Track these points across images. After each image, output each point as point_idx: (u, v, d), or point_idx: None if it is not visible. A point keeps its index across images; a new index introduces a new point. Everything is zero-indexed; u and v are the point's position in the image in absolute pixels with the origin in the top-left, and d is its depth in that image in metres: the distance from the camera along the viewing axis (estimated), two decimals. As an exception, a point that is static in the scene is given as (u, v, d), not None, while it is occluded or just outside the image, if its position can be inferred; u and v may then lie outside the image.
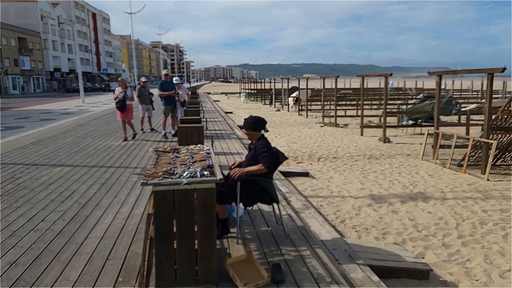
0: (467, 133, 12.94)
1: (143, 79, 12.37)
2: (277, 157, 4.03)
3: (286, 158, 4.06)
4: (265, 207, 4.91)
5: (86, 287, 3.10)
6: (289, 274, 3.28)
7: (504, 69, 7.71)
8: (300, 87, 23.74)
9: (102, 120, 16.03)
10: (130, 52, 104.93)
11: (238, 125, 15.40)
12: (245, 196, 3.85)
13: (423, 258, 4.53)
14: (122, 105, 10.13)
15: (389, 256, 4.22)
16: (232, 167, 4.15)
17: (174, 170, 3.46)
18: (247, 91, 44.39)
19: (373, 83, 52.77)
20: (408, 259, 4.20)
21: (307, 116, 20.70)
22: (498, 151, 8.62)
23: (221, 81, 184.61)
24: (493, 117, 8.44)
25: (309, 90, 23.85)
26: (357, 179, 7.90)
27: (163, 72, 10.88)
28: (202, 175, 3.27)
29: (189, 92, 12.06)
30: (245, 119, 4.14)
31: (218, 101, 37.14)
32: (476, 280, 4.05)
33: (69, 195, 5.54)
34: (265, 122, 4.12)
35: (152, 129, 12.00)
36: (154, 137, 10.86)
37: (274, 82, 30.28)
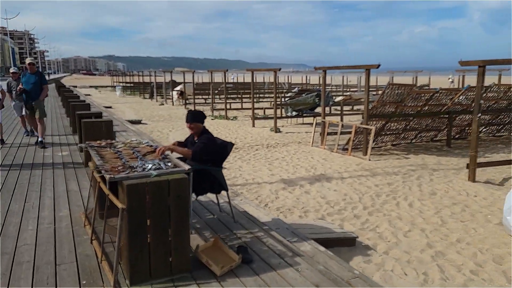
0: (341, 120, 14.77)
1: (13, 69, 10.63)
2: (224, 148, 4.20)
3: (233, 145, 4.27)
4: (200, 197, 4.98)
5: (48, 296, 2.82)
6: (254, 254, 3.50)
7: (379, 65, 9.11)
8: (185, 80, 23.57)
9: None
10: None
11: (127, 120, 14.66)
12: (198, 186, 3.91)
13: (342, 229, 5.21)
14: None
15: (322, 230, 4.76)
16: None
17: (128, 164, 3.35)
18: (122, 84, 41.91)
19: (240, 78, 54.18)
20: (336, 230, 4.80)
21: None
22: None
23: (84, 74, 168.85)
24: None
25: (191, 84, 23.82)
26: (264, 167, 8.43)
27: (27, 61, 8.71)
28: (167, 167, 3.25)
29: (3, 89, 9.16)
30: (187, 113, 4.19)
31: (89, 95, 34.24)
32: (389, 242, 4.87)
33: (-37, 204, 4.72)
34: (205, 115, 4.28)
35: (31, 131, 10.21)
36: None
37: (155, 76, 29.39)
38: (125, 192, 2.88)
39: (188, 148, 4.08)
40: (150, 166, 3.22)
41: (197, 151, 3.87)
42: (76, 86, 48.10)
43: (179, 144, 4.23)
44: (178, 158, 3.89)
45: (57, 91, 27.73)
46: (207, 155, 3.94)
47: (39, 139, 8.52)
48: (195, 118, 4.09)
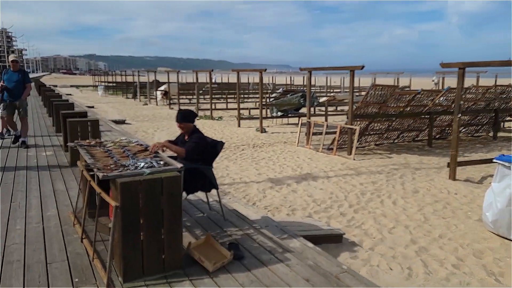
0: (326, 120, 14.96)
1: None
2: (214, 147, 4.25)
3: (223, 144, 4.32)
4: (189, 196, 5.02)
5: (40, 295, 2.83)
6: (245, 251, 3.56)
7: (363, 67, 9.29)
8: (169, 80, 23.44)
9: None
10: None
11: (111, 120, 14.52)
12: (189, 185, 3.95)
13: (329, 226, 5.31)
14: None
15: (309, 227, 4.86)
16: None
17: (120, 163, 3.36)
18: (104, 84, 41.35)
19: (225, 78, 53.91)
20: (324, 228, 4.90)
21: (179, 110, 20.65)
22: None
23: (64, 73, 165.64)
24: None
25: (175, 84, 23.69)
26: (251, 166, 8.50)
27: (10, 58, 8.42)
28: (159, 165, 3.28)
29: None
30: (178, 113, 4.23)
31: (70, 94, 33.67)
32: (374, 238, 5.00)
33: None
34: (197, 115, 4.34)
35: (8, 131, 9.74)
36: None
37: (138, 75, 29.13)
38: (119, 190, 2.90)
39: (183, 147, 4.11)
40: (142, 164, 3.24)
41: (190, 150, 3.90)
42: (56, 86, 47.24)
43: (171, 143, 4.26)
44: (169, 157, 3.92)
45: (37, 91, 27.24)
46: (198, 154, 3.99)
47: (22, 139, 8.33)
48: (184, 118, 4.13)
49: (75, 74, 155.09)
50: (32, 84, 30.46)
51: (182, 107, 21.55)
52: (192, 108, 20.18)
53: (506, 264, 4.30)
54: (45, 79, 70.43)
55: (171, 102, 22.90)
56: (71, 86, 49.69)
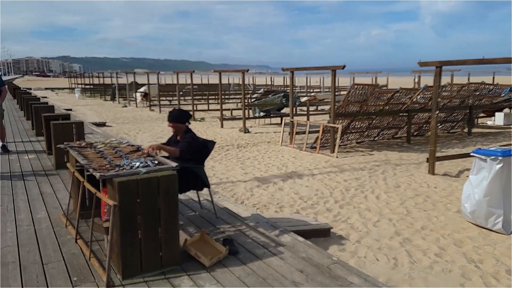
0: (308, 119, 15.18)
1: None
2: (206, 146, 4.32)
3: (214, 143, 4.40)
4: (180, 196, 5.07)
5: (40, 295, 2.85)
6: (240, 246, 3.66)
7: (344, 66, 9.52)
8: (149, 82, 23.24)
9: None
10: None
11: (91, 122, 14.34)
12: (181, 184, 4.00)
13: (317, 221, 5.47)
14: None
15: (298, 222, 4.99)
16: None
17: (114, 163, 3.41)
18: (80, 86, 40.57)
19: (205, 79, 53.74)
20: (312, 223, 5.05)
21: (160, 112, 20.50)
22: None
23: (37, 75, 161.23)
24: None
25: (155, 86, 23.52)
26: (237, 166, 8.59)
27: None
28: (154, 164, 3.34)
29: None
30: (169, 112, 4.28)
31: (46, 97, 32.88)
32: (360, 231, 5.18)
33: None
34: (190, 115, 4.38)
35: None
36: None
37: (116, 77, 28.72)
38: (116, 189, 2.96)
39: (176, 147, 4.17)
40: (137, 164, 3.29)
41: (183, 149, 3.96)
42: (30, 88, 45.98)
43: (163, 145, 4.29)
44: (162, 156, 3.98)
45: (12, 94, 26.53)
46: (190, 154, 4.06)
47: (1, 144, 8.18)
48: (175, 118, 4.18)
49: (49, 76, 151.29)
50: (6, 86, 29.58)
51: (163, 109, 21.40)
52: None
53: (484, 252, 4.55)
54: (18, 81, 68.45)
55: (151, 104, 22.72)
56: (46, 88, 48.49)
